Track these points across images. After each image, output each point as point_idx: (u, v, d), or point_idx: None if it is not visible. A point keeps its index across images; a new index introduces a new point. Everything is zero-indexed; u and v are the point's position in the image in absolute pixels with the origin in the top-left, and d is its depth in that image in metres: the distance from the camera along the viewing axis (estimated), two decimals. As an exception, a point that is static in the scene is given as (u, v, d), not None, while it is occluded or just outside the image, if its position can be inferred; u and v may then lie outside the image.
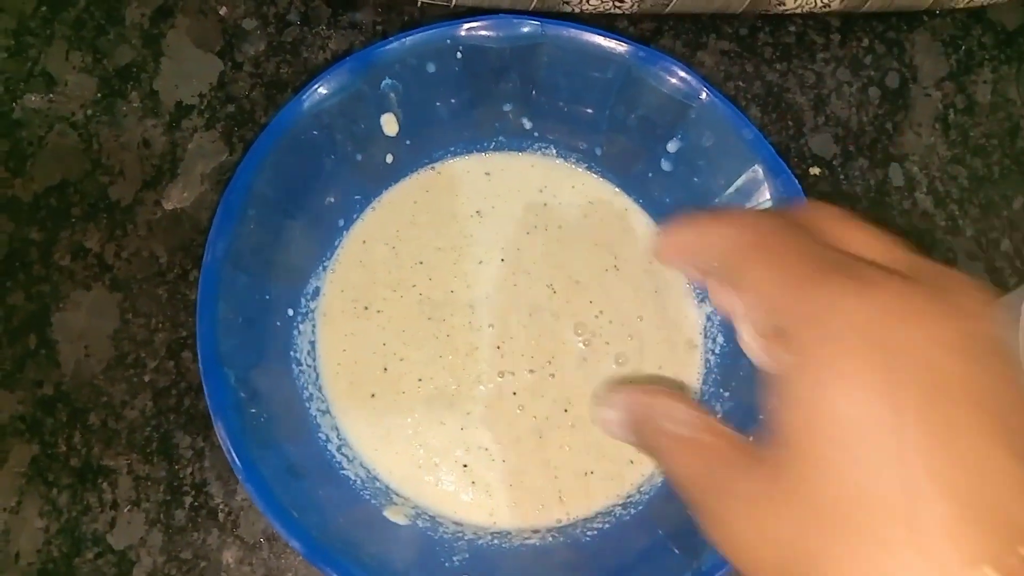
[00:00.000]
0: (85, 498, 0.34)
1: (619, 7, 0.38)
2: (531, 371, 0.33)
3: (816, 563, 0.17)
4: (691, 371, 0.34)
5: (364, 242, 0.35)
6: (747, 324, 0.21)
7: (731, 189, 0.32)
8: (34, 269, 0.36)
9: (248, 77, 0.39)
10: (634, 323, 0.34)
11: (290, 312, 0.33)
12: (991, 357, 0.17)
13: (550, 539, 0.31)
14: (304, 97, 0.31)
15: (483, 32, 0.32)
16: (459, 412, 0.33)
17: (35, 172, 0.37)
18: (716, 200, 0.33)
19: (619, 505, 0.32)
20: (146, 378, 0.35)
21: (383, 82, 0.32)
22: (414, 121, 0.34)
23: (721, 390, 0.33)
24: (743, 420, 0.30)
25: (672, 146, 0.33)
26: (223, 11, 0.40)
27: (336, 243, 0.34)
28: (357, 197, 0.35)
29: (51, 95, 0.39)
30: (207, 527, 0.33)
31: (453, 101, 0.34)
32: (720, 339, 0.34)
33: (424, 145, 0.35)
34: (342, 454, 0.32)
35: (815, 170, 0.39)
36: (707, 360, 0.34)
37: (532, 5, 0.37)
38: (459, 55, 0.32)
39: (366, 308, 0.34)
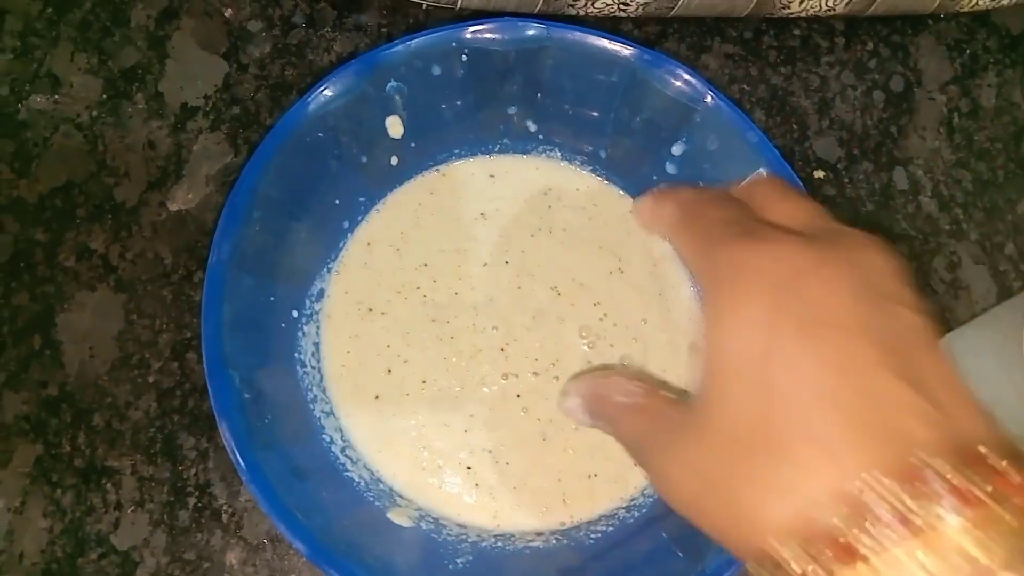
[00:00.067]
0: (89, 499, 0.34)
1: (624, 10, 0.38)
2: (535, 373, 0.33)
3: (731, 484, 0.19)
4: (695, 374, 0.34)
5: (369, 244, 0.35)
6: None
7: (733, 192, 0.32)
8: (39, 270, 0.36)
9: (253, 79, 0.39)
10: (639, 326, 0.34)
11: (295, 314, 0.33)
12: (879, 297, 0.19)
13: (554, 542, 0.31)
14: (309, 99, 0.31)
15: (488, 35, 0.32)
16: (463, 414, 0.33)
17: (40, 173, 0.38)
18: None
19: (623, 508, 0.32)
20: (150, 379, 0.35)
21: (388, 84, 0.32)
22: (419, 123, 0.34)
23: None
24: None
25: (677, 149, 0.33)
26: (228, 13, 0.40)
27: (341, 245, 0.34)
28: (362, 199, 0.35)
29: (56, 96, 0.39)
30: (211, 528, 0.33)
31: (458, 103, 0.34)
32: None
33: (429, 147, 0.35)
34: (346, 456, 0.32)
35: (819, 173, 0.39)
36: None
37: (537, 8, 0.37)
38: (464, 58, 0.32)
39: (370, 310, 0.34)
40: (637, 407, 0.24)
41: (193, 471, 0.34)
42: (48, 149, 0.38)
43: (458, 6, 0.37)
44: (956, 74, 0.41)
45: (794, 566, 0.17)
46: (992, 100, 0.40)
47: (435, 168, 0.36)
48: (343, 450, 0.32)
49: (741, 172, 0.31)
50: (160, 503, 0.34)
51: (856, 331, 0.18)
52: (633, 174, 0.35)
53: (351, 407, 0.33)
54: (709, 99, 0.31)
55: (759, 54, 0.40)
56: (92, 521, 0.33)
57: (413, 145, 0.35)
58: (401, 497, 0.32)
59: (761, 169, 0.31)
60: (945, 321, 0.37)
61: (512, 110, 0.35)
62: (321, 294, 0.34)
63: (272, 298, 0.32)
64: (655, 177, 0.34)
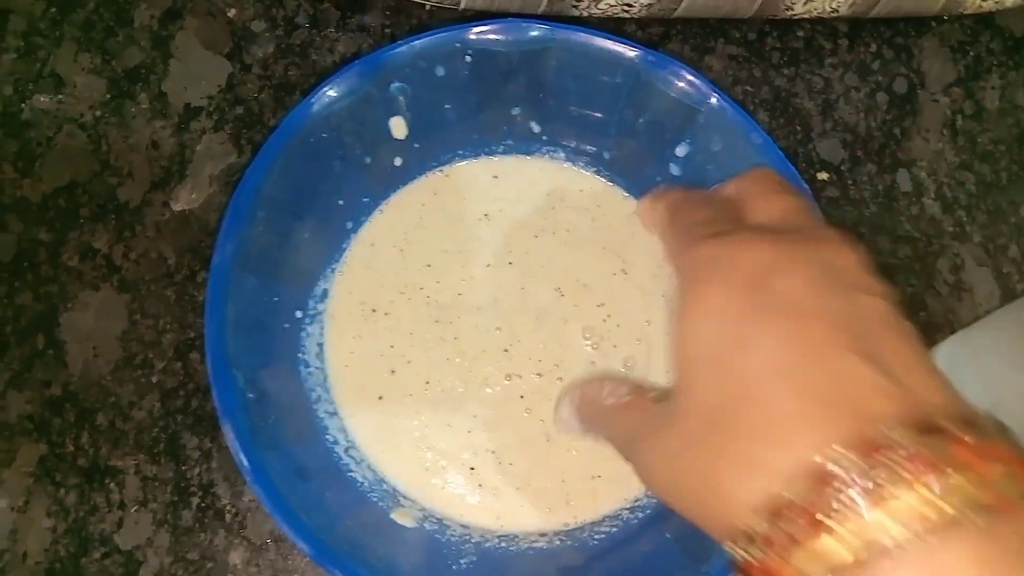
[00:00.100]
0: (92, 498, 0.34)
1: (627, 11, 0.38)
2: (538, 374, 0.33)
3: (702, 466, 0.19)
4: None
5: (372, 244, 0.35)
6: None
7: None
8: (42, 269, 0.36)
9: (257, 79, 0.39)
10: (642, 327, 0.34)
11: (298, 314, 0.33)
12: (842, 287, 0.20)
13: (557, 543, 0.31)
14: (313, 100, 0.31)
15: (492, 36, 0.32)
16: (466, 415, 0.33)
17: (44, 173, 0.38)
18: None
19: (626, 509, 0.32)
20: (154, 379, 0.35)
21: (392, 85, 0.32)
22: (423, 124, 0.34)
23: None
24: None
25: (681, 150, 0.33)
26: (232, 13, 0.40)
27: (344, 245, 0.34)
28: (365, 200, 0.35)
29: (60, 96, 0.39)
30: (214, 528, 0.33)
31: (462, 104, 0.34)
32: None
33: (432, 148, 0.35)
34: (349, 456, 0.32)
35: (823, 175, 0.39)
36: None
37: (541, 9, 0.37)
38: (468, 59, 0.32)
39: (374, 310, 0.34)
40: (623, 406, 0.25)
41: (196, 471, 0.34)
42: (52, 149, 0.38)
43: (461, 6, 0.37)
44: (960, 76, 0.41)
45: (762, 540, 0.17)
46: (996, 102, 0.40)
47: (439, 169, 0.36)
48: (347, 450, 0.32)
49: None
50: (163, 503, 0.34)
51: (817, 316, 0.19)
52: (637, 175, 0.35)
53: (355, 407, 0.33)
54: (713, 100, 0.31)
55: (763, 55, 0.40)
56: (95, 521, 0.33)
57: (417, 146, 0.35)
58: (405, 497, 0.32)
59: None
60: (949, 323, 0.37)
61: (516, 111, 0.35)
62: (325, 294, 0.34)
63: (276, 298, 0.32)
64: (659, 178, 0.34)
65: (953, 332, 0.35)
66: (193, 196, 0.37)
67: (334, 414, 0.32)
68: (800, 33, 0.41)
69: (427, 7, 0.39)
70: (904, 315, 0.21)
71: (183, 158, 0.38)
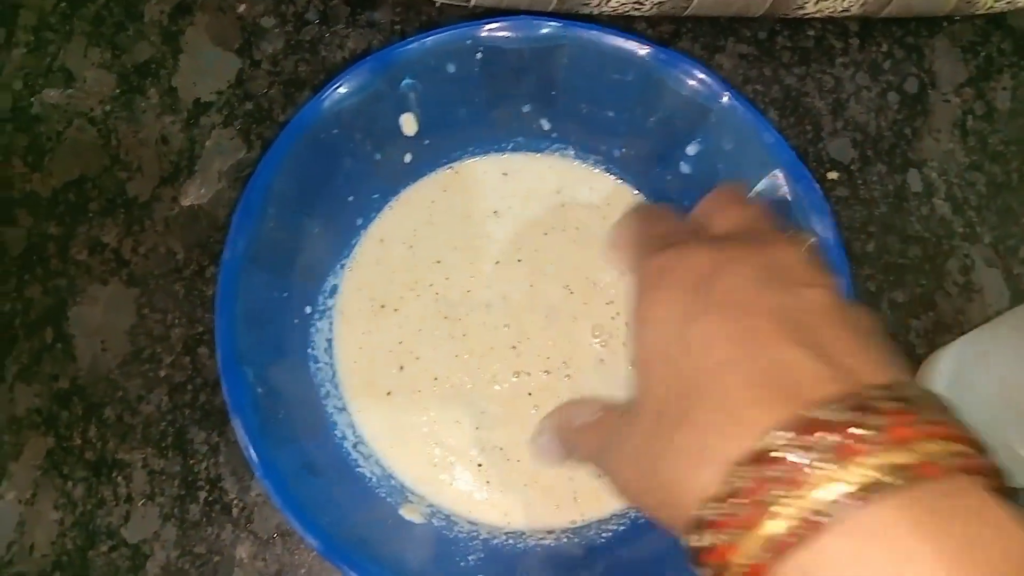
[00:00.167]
0: (100, 491, 0.34)
1: (638, 9, 0.38)
2: (547, 372, 0.33)
3: (659, 462, 0.20)
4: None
5: (382, 241, 0.35)
6: None
7: (751, 193, 0.32)
8: (51, 263, 0.36)
9: (266, 75, 0.39)
10: (650, 325, 0.34)
11: (308, 310, 0.33)
12: (784, 283, 0.21)
13: (564, 540, 0.31)
14: (324, 96, 0.31)
15: (504, 33, 0.32)
16: (474, 411, 0.33)
17: (53, 167, 0.38)
18: (735, 203, 0.32)
19: (634, 507, 0.32)
20: (162, 373, 0.35)
21: (403, 82, 0.32)
22: (433, 121, 0.34)
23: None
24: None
25: (692, 149, 0.33)
26: (242, 9, 0.40)
27: (354, 241, 0.34)
28: (375, 196, 0.35)
29: (70, 91, 0.39)
30: (221, 522, 0.33)
31: (472, 101, 0.34)
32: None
33: (443, 145, 0.35)
34: (358, 451, 0.32)
35: (833, 174, 0.39)
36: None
37: (551, 6, 0.37)
38: (479, 56, 0.32)
39: (383, 306, 0.34)
40: (594, 424, 0.26)
41: (204, 465, 0.34)
42: (61, 143, 0.38)
43: (471, 3, 0.37)
44: (971, 76, 0.41)
45: (712, 527, 0.18)
46: (1007, 103, 0.40)
47: (448, 166, 0.36)
48: (355, 446, 0.32)
49: (756, 173, 0.31)
50: (171, 497, 0.34)
51: (758, 310, 0.20)
52: (647, 174, 0.35)
53: (363, 403, 0.33)
54: (725, 99, 0.31)
55: (773, 54, 0.40)
56: (103, 514, 0.33)
57: (427, 142, 0.35)
58: (413, 493, 0.32)
59: (777, 171, 0.31)
60: (958, 324, 0.37)
61: (526, 108, 0.35)
62: (334, 290, 0.34)
63: (285, 294, 0.32)
64: (669, 177, 0.34)
65: (963, 333, 0.35)
66: (202, 191, 0.37)
67: (343, 409, 0.32)
68: (811, 32, 0.41)
69: (436, 4, 0.39)
70: (850, 304, 0.21)
71: (192, 153, 0.38)
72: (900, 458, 0.17)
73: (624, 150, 0.35)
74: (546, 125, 0.35)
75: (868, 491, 0.16)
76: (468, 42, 0.32)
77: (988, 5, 0.39)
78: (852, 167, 0.39)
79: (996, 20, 0.42)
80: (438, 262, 0.34)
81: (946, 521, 0.16)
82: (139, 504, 0.34)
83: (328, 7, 0.40)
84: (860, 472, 0.16)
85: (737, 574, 0.17)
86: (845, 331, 0.20)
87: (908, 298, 0.37)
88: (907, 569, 0.16)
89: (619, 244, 0.29)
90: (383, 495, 0.31)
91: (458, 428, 0.32)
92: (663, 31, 0.40)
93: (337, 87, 0.31)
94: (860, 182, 0.39)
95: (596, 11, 0.38)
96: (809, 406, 0.18)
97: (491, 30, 0.32)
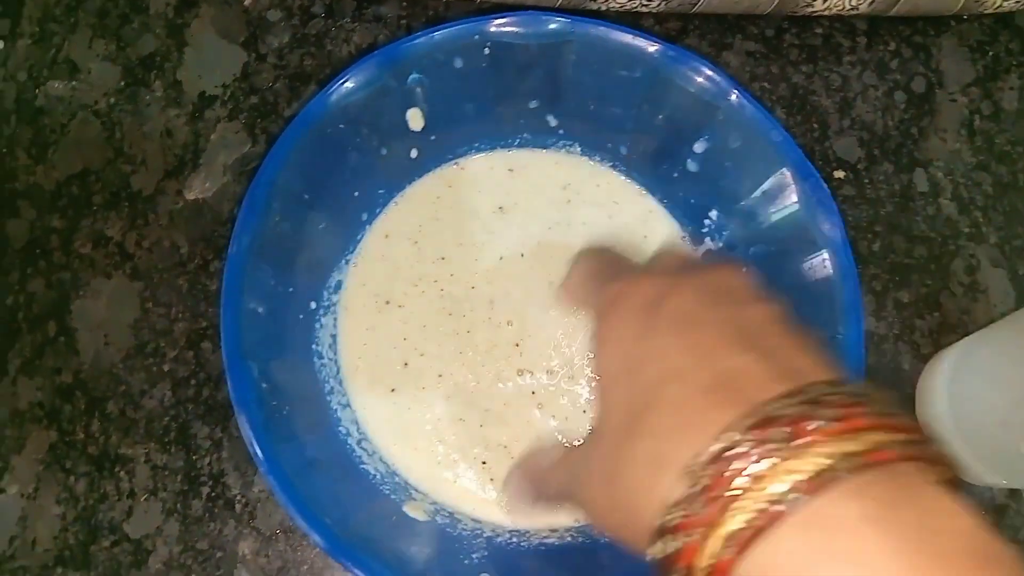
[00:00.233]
0: (102, 486, 0.34)
1: (646, 6, 0.38)
2: (549, 371, 0.33)
3: (620, 471, 0.21)
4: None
5: (387, 236, 0.35)
6: None
7: (758, 192, 0.32)
8: (55, 257, 0.36)
9: (272, 69, 0.39)
10: (656, 324, 0.34)
11: (312, 305, 0.33)
12: (728, 301, 0.22)
13: (568, 539, 0.31)
14: (331, 90, 0.31)
15: (512, 28, 0.31)
16: (478, 409, 0.33)
17: (57, 160, 0.37)
18: (743, 202, 0.32)
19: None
20: (165, 368, 0.35)
21: (410, 77, 0.32)
22: (440, 116, 0.34)
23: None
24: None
25: (699, 147, 0.33)
26: (247, 2, 0.40)
27: (359, 237, 0.34)
28: (381, 191, 0.35)
29: (74, 83, 0.38)
30: (224, 518, 0.33)
31: (479, 97, 0.34)
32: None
33: (449, 140, 0.35)
34: (362, 448, 0.32)
35: (839, 173, 0.38)
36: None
37: (559, 2, 0.37)
38: (487, 51, 0.32)
39: (387, 302, 0.34)
40: (560, 461, 0.26)
41: (207, 460, 0.34)
42: (65, 136, 0.38)
43: (479, -1, 0.37)
44: (978, 76, 0.41)
45: (674, 532, 0.18)
46: (1014, 103, 0.40)
47: (454, 161, 0.36)
48: (359, 442, 0.32)
49: (763, 171, 0.31)
50: (173, 492, 0.34)
51: (705, 324, 0.21)
52: (654, 171, 0.35)
53: (367, 399, 0.33)
54: (733, 97, 0.31)
55: (780, 52, 0.40)
56: (105, 509, 0.33)
57: (433, 138, 0.34)
58: (416, 491, 0.32)
59: (784, 169, 0.31)
60: (963, 324, 0.36)
61: (533, 104, 0.35)
62: (339, 286, 0.34)
63: (290, 289, 0.31)
64: (676, 175, 0.34)
65: (968, 333, 0.35)
66: (207, 185, 0.37)
67: (347, 406, 0.32)
68: (818, 30, 0.41)
69: (444, -1, 0.39)
70: (792, 321, 0.22)
71: (197, 147, 0.38)
72: (850, 446, 0.17)
73: (631, 147, 0.35)
74: (553, 121, 0.35)
75: (821, 479, 0.17)
76: (476, 37, 0.32)
77: (996, 4, 0.39)
78: (858, 166, 0.39)
79: (1004, 20, 0.41)
80: (443, 258, 0.34)
81: (896, 508, 0.17)
82: (142, 499, 0.33)
83: (334, 1, 0.40)
84: (813, 461, 0.17)
85: None
86: (788, 339, 0.21)
87: (913, 298, 0.37)
88: (859, 557, 0.16)
89: (571, 285, 0.30)
90: (387, 492, 0.31)
91: (462, 426, 0.32)
92: (670, 28, 0.40)
93: (344, 82, 0.31)
94: (866, 181, 0.38)
95: (603, 7, 0.38)
96: (762, 404, 0.18)
97: (499, 25, 0.31)
